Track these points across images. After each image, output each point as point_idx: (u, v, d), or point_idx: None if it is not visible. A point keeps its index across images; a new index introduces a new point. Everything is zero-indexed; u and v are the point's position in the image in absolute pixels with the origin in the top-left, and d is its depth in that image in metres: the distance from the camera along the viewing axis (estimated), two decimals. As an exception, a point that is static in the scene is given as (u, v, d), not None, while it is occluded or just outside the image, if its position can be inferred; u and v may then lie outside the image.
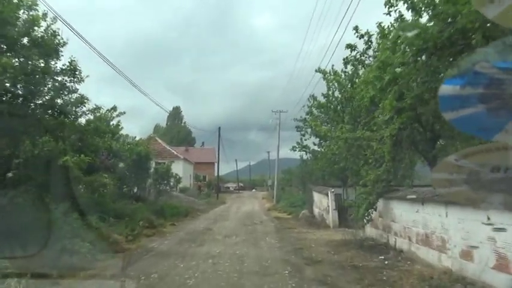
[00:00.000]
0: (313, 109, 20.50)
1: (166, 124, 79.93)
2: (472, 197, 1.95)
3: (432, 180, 2.37)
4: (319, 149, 20.40)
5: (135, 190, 20.54)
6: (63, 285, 6.77)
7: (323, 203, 19.01)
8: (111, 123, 18.71)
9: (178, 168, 38.65)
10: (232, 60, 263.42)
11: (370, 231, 12.83)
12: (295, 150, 21.08)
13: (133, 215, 15.06)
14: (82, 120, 11.03)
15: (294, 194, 34.60)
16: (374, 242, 11.99)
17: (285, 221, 19.85)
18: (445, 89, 1.78)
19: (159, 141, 42.21)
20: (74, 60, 9.71)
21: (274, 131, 44.14)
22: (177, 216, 19.75)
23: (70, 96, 9.81)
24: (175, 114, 79.06)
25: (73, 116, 10.14)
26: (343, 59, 9.44)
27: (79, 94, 10.10)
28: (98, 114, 11.28)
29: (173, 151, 41.51)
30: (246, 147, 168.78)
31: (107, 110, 18.63)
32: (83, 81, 9.87)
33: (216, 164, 47.62)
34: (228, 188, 66.72)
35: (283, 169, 45.76)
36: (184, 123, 79.70)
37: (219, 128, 42.05)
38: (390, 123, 10.78)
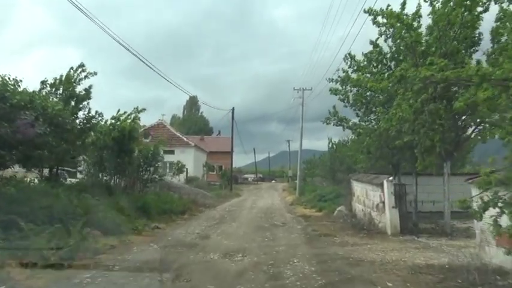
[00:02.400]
0: (350, 73, 14.03)
1: (183, 114, 74.59)
2: None
3: None
4: (364, 124, 13.99)
5: (117, 180, 14.77)
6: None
7: (371, 197, 12.77)
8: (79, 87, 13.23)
9: (188, 156, 33.06)
10: (251, 52, 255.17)
11: (495, 252, 6.52)
12: (328, 123, 14.76)
13: (86, 216, 9.25)
14: None
15: (318, 186, 28.36)
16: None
17: (317, 222, 13.70)
18: None
19: (168, 127, 36.76)
20: None
21: (292, 121, 38.12)
22: (168, 214, 13.95)
23: None
24: (192, 104, 73.46)
25: None
26: None
27: None
28: None
29: (184, 138, 35.89)
30: (265, 139, 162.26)
31: (70, 68, 13.32)
32: None
33: (232, 154, 41.73)
34: (247, 179, 60.91)
35: (304, 160, 39.34)
36: (202, 113, 74.21)
37: (233, 108, 35.93)
38: None
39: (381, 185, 11.53)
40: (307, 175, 36.25)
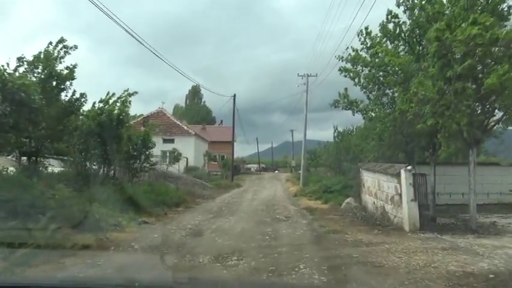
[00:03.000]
0: (360, 51, 12.45)
1: (185, 103, 72.99)
2: None
3: None
4: (376, 107, 12.48)
5: (105, 169, 13.41)
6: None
7: (385, 188, 11.33)
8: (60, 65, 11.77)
9: (189, 145, 31.69)
10: (255, 42, 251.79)
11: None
12: (337, 107, 13.31)
13: (58, 210, 7.91)
14: None
15: (323, 176, 26.93)
16: None
17: (323, 216, 12.30)
18: None
19: (168, 115, 35.23)
20: None
21: (296, 111, 36.49)
22: (161, 207, 12.58)
23: None
24: (195, 94, 71.82)
25: None
26: None
27: None
28: None
29: (184, 126, 34.37)
30: (268, 129, 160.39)
31: (49, 43, 11.87)
32: None
33: (234, 143, 40.22)
34: (249, 169, 59.49)
35: (308, 150, 37.76)
36: (204, 102, 72.60)
37: (234, 95, 34.32)
38: None
39: (398, 175, 10.08)
40: (311, 165, 34.83)
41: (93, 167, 13.41)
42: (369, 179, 13.06)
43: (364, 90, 12.82)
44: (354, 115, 13.35)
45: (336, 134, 24.78)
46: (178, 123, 34.49)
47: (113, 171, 13.27)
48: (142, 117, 30.72)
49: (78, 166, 12.74)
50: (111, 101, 13.40)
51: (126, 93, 13.19)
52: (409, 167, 9.85)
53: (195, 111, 69.34)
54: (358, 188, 14.45)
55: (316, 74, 28.54)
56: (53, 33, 48.56)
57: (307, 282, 5.13)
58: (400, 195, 9.92)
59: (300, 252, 6.96)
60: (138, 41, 14.81)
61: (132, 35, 14.18)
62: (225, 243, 7.68)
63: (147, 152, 13.49)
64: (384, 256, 6.78)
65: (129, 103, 13.48)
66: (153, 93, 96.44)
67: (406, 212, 9.55)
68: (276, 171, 63.26)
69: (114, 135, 12.82)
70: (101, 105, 13.33)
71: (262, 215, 12.32)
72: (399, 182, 10.01)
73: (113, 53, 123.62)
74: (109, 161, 12.98)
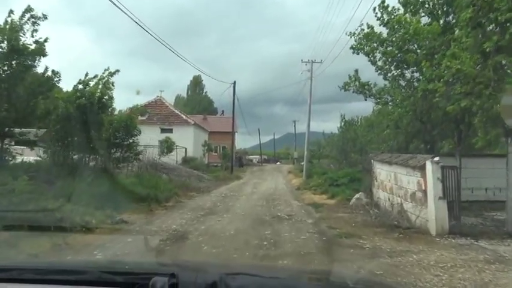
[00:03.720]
0: (376, 29, 10.75)
1: (187, 94, 71.24)
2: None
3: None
4: (393, 89, 10.77)
5: (85, 159, 11.81)
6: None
7: (404, 183, 9.66)
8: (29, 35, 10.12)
9: (188, 135, 30.12)
10: (257, 33, 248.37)
11: None
12: (347, 90, 11.64)
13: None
14: None
15: (326, 168, 25.23)
16: None
17: (331, 213, 10.68)
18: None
19: (167, 104, 33.54)
20: None
21: (298, 103, 34.74)
22: (148, 202, 10.94)
23: None
24: (196, 84, 70.04)
25: None
26: None
27: None
28: None
29: (183, 116, 32.72)
30: (270, 121, 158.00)
31: (10, 11, 10.15)
32: None
33: (235, 134, 38.48)
34: (251, 160, 57.87)
35: (311, 142, 36.00)
36: (206, 93, 70.84)
37: (234, 82, 32.52)
38: None
39: (421, 168, 8.40)
40: (314, 157, 33.16)
41: (73, 156, 11.85)
42: (383, 172, 11.38)
43: (380, 71, 11.14)
44: (365, 99, 11.70)
45: (342, 124, 23.08)
46: (177, 112, 32.83)
47: (94, 162, 11.68)
48: (140, 106, 29.26)
49: (55, 155, 11.15)
50: (92, 83, 11.80)
51: (107, 72, 11.50)
52: (436, 159, 8.16)
53: (196, 101, 67.61)
54: (369, 181, 12.77)
55: (321, 61, 26.66)
56: (54, 23, 46.81)
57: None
58: (425, 191, 8.26)
59: (307, 267, 5.33)
60: (142, 27, 13.36)
61: (135, 21, 12.69)
62: (212, 252, 6.06)
63: (131, 140, 11.83)
64: (416, 273, 5.16)
65: (112, 84, 11.83)
66: (154, 85, 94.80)
67: (433, 213, 7.89)
68: (278, 163, 61.75)
69: (94, 120, 11.19)
70: (81, 86, 11.73)
71: (261, 211, 10.70)
72: (423, 176, 8.34)
73: (115, 44, 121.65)
74: (89, 150, 11.37)
